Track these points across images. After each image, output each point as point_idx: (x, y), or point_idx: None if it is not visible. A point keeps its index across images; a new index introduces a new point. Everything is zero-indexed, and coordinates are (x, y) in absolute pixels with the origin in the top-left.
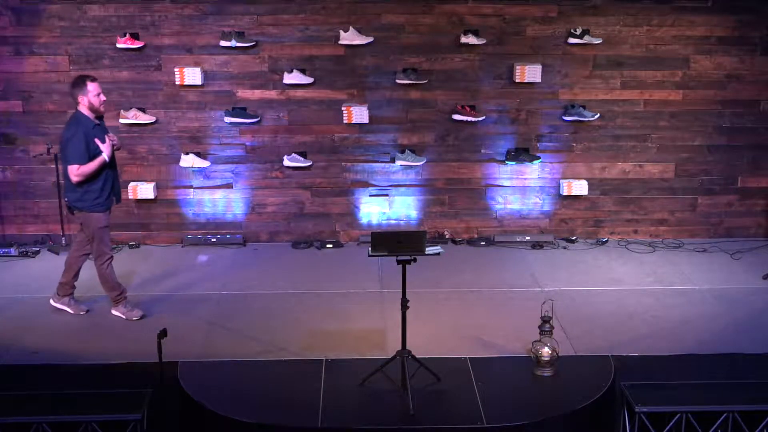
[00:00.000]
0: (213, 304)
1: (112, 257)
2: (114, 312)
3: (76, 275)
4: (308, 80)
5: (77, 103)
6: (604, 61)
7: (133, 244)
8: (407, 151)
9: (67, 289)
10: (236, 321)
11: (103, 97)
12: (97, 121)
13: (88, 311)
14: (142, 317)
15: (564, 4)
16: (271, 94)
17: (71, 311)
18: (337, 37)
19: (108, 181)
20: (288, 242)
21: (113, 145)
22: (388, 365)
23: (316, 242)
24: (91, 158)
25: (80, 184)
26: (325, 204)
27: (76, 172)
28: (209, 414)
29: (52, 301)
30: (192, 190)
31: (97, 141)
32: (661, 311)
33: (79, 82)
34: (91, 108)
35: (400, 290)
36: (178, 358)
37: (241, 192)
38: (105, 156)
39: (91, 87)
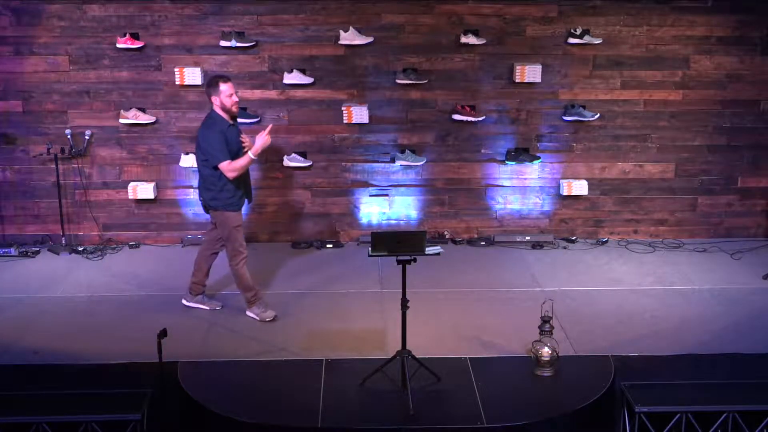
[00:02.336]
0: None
1: (246, 256)
2: (248, 313)
3: (207, 274)
4: (308, 80)
5: (211, 104)
6: (604, 61)
7: (133, 244)
8: (407, 151)
9: (199, 288)
10: (236, 321)
11: (235, 98)
12: (231, 122)
13: (222, 307)
14: (275, 318)
15: (564, 4)
16: (271, 94)
17: (206, 308)
18: (337, 37)
19: (241, 181)
20: (288, 242)
21: (245, 146)
22: (388, 365)
23: (316, 242)
24: (233, 156)
25: (215, 183)
26: (325, 204)
27: (228, 167)
28: (209, 414)
29: (184, 301)
30: (192, 190)
31: (243, 138)
32: (661, 311)
33: (213, 83)
34: (224, 108)
35: (400, 290)
36: (178, 358)
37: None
38: (251, 154)
39: (224, 87)
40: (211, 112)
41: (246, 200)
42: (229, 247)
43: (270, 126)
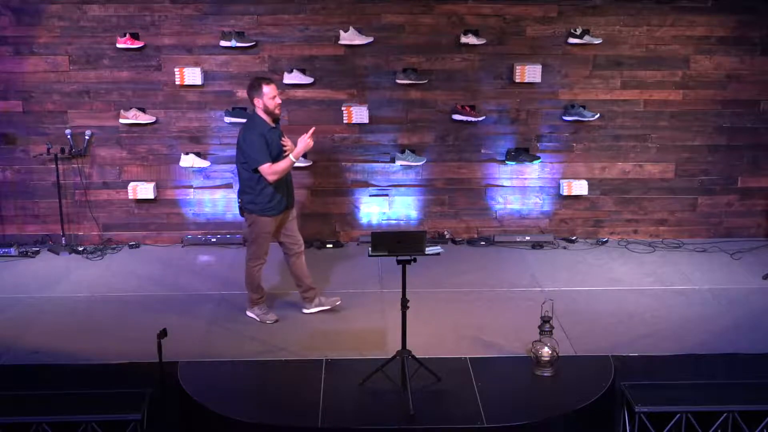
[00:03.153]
0: (213, 304)
1: (264, 263)
2: (249, 313)
3: (307, 275)
4: (308, 80)
5: (254, 106)
6: (604, 61)
7: (133, 244)
8: (407, 151)
9: (312, 293)
10: (236, 321)
11: (278, 100)
12: (272, 125)
13: (338, 299)
14: (276, 321)
15: (564, 4)
16: None
17: (329, 307)
18: (337, 37)
19: (281, 185)
20: None
21: (286, 149)
22: (388, 365)
23: (316, 242)
24: (274, 159)
25: (254, 187)
26: (325, 204)
27: (270, 170)
28: (209, 414)
29: (305, 310)
30: (192, 190)
31: (284, 141)
32: (661, 311)
33: (255, 85)
34: (266, 110)
35: (400, 290)
36: (178, 358)
37: None
38: (292, 157)
39: (267, 90)
40: (253, 115)
41: (286, 205)
42: (252, 248)
43: (312, 129)
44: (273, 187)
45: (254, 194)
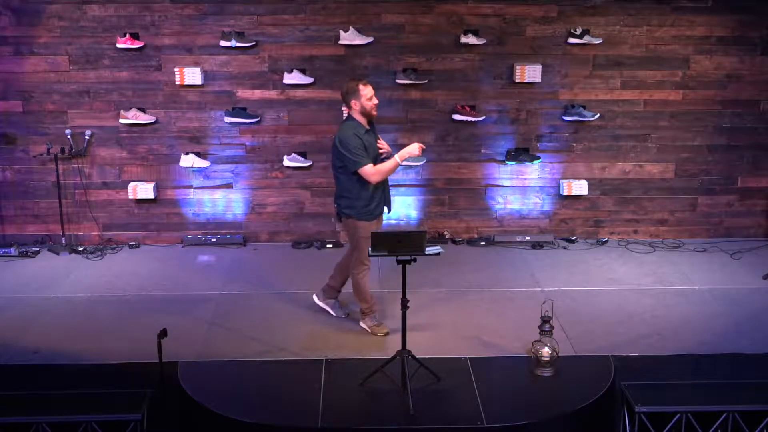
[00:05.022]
0: (213, 304)
1: (368, 268)
2: (361, 324)
3: (343, 283)
4: (308, 80)
5: (350, 108)
6: (604, 61)
7: (133, 244)
8: None
9: (332, 292)
10: (236, 321)
11: (375, 101)
12: (368, 126)
13: (347, 315)
14: (386, 334)
15: (564, 4)
16: (271, 94)
17: (333, 313)
18: (337, 37)
19: (378, 189)
20: (288, 242)
21: (383, 153)
22: (388, 365)
23: (316, 242)
24: (371, 161)
25: (351, 190)
26: (325, 204)
27: (372, 171)
28: (209, 414)
29: (315, 298)
30: (192, 190)
31: (380, 143)
32: (661, 311)
33: (352, 87)
34: (363, 112)
35: (400, 290)
36: (178, 358)
37: (241, 192)
38: (398, 158)
39: (365, 91)
40: (348, 117)
41: (386, 209)
42: (355, 254)
43: (422, 145)
44: (370, 191)
45: (352, 198)
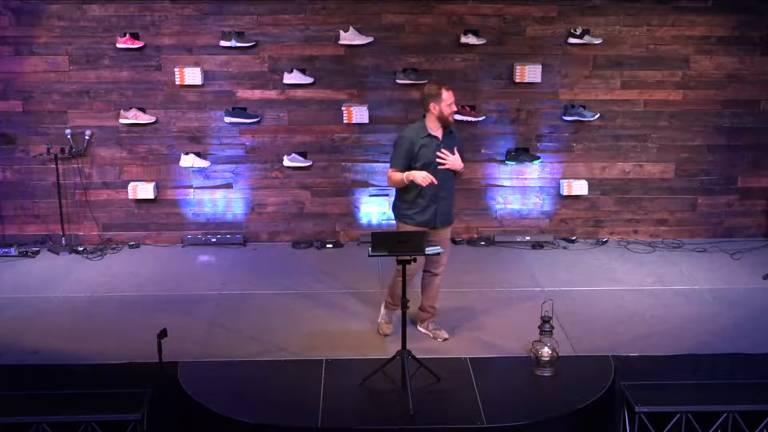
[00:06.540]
0: (213, 304)
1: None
2: (381, 309)
3: (429, 297)
4: (308, 80)
5: (427, 111)
6: (604, 61)
7: (133, 244)
8: None
9: (426, 315)
10: (236, 321)
11: (454, 107)
12: (434, 133)
13: (446, 339)
14: (386, 335)
15: (564, 4)
16: (271, 94)
17: (445, 335)
18: (337, 37)
19: (425, 197)
20: (288, 242)
21: (445, 164)
22: (388, 365)
23: (316, 242)
24: (423, 168)
25: (397, 190)
26: (325, 204)
27: (389, 175)
28: (209, 414)
29: (419, 327)
30: (192, 190)
31: (443, 154)
32: (661, 311)
33: (435, 92)
34: (440, 117)
35: (400, 290)
36: (178, 358)
37: (241, 192)
38: (405, 175)
39: (446, 96)
40: (420, 120)
41: (430, 222)
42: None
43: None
44: (414, 196)
45: (396, 198)
